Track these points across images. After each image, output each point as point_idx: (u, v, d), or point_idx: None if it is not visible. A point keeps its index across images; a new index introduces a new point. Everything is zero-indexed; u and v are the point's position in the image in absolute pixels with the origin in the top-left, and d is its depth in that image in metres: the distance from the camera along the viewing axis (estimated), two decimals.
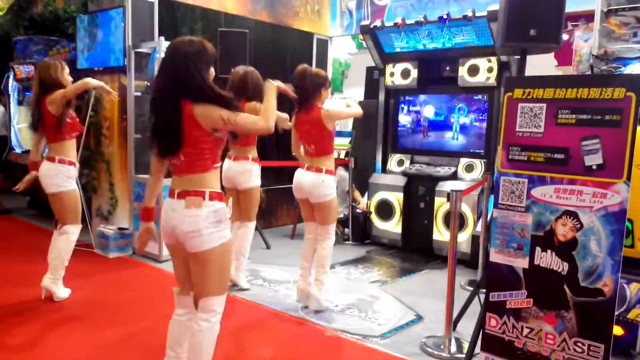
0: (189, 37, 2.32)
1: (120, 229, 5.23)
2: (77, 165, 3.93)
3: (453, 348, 3.22)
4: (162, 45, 4.80)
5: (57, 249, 3.86)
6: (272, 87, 2.50)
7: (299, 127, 3.78)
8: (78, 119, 3.96)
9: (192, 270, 2.34)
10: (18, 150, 7.00)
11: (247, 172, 4.08)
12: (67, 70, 3.86)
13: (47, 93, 3.71)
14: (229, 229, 2.34)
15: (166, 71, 2.28)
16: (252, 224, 4.23)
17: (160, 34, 5.15)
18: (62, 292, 3.90)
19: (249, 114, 2.39)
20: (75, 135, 3.92)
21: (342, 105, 4.14)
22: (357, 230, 5.93)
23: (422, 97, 5.71)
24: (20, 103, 7.11)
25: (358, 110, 3.86)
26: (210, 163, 2.30)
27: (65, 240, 3.87)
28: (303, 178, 3.73)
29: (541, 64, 4.98)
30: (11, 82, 6.98)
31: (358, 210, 5.94)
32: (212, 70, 2.34)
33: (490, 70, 5.07)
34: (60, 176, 3.77)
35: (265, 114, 2.36)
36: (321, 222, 3.79)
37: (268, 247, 5.63)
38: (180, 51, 2.24)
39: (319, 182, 3.67)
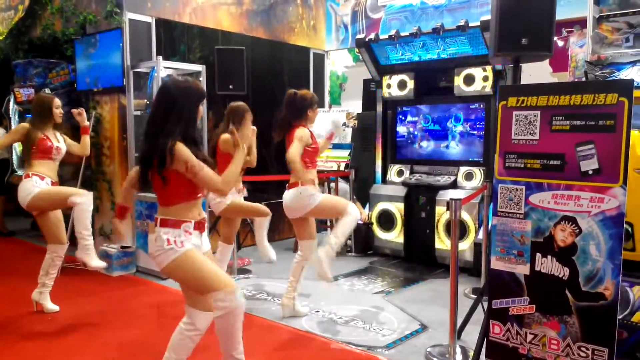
0: (182, 77, 2.52)
1: (122, 247, 5.25)
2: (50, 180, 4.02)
3: (458, 357, 3.21)
4: (160, 64, 4.86)
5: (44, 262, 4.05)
6: (242, 152, 2.58)
7: (286, 146, 3.86)
8: (49, 143, 4.04)
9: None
10: (20, 173, 7.04)
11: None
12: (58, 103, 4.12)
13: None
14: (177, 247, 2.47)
15: (158, 107, 2.48)
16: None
17: (158, 54, 5.22)
18: (51, 305, 4.08)
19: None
20: (46, 158, 4.04)
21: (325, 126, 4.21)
22: (360, 241, 5.94)
23: (419, 107, 5.76)
24: None
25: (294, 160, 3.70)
26: (174, 199, 2.46)
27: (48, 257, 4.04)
28: (285, 197, 3.84)
29: (536, 71, 5.04)
30: (12, 105, 7.03)
31: (360, 222, 5.94)
32: (200, 109, 2.53)
33: (485, 79, 5.12)
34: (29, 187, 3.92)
35: (226, 179, 2.48)
36: (335, 214, 3.85)
37: (271, 261, 5.63)
38: (171, 91, 2.45)
39: (297, 196, 3.74)
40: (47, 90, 5.95)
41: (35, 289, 4.08)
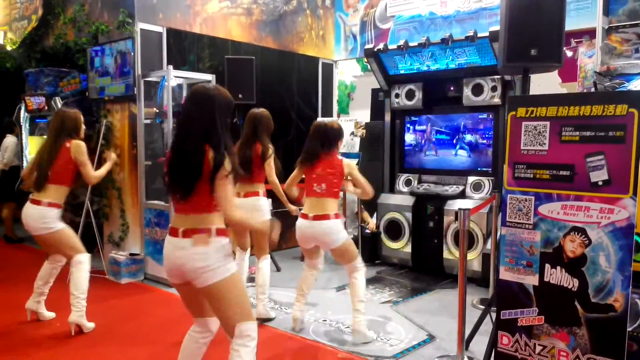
0: (213, 85, 2.36)
1: (131, 254, 5.28)
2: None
3: None
4: (171, 73, 4.91)
5: (74, 280, 3.82)
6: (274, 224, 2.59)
7: (313, 171, 3.73)
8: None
9: (210, 306, 2.39)
10: None
11: (259, 210, 4.10)
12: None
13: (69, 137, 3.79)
14: (234, 263, 2.40)
15: (190, 116, 2.33)
16: (268, 257, 4.25)
17: (168, 63, 5.27)
18: (89, 323, 3.88)
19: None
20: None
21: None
22: (367, 251, 5.92)
23: (427, 117, 5.77)
24: (32, 133, 7.24)
25: (369, 190, 3.81)
26: (215, 205, 2.33)
27: (79, 269, 3.85)
28: (310, 229, 3.70)
29: (545, 82, 5.03)
30: (23, 114, 7.12)
31: (367, 231, 5.95)
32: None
33: (494, 89, 5.12)
34: (50, 219, 3.77)
35: (242, 217, 2.47)
36: (346, 261, 3.75)
37: (278, 270, 5.64)
38: (210, 99, 2.32)
39: (328, 229, 3.64)
40: (59, 101, 6.02)
41: (31, 298, 4.05)
